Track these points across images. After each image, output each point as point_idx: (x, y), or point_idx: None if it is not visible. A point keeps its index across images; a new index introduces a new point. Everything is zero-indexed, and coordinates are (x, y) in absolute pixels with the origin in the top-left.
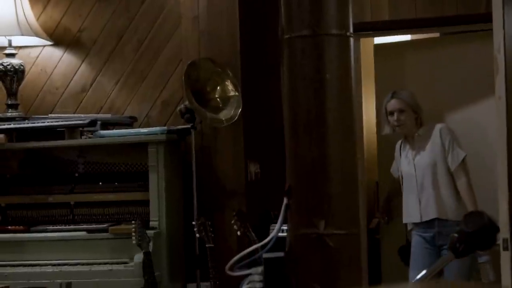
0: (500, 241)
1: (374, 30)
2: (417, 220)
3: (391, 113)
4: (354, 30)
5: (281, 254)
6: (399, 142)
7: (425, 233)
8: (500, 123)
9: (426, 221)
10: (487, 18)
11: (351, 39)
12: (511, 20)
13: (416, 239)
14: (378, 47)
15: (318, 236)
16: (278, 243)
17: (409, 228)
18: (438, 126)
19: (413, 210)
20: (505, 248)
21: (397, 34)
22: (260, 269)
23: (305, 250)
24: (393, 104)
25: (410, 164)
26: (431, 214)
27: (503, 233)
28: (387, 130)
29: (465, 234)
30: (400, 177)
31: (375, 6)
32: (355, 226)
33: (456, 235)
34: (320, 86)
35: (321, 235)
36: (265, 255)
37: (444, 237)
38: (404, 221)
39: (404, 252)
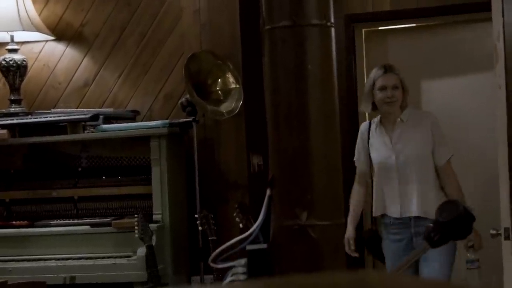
0: (502, 231)
1: (375, 20)
2: (397, 215)
3: (383, 88)
4: (356, 21)
5: (264, 245)
6: (366, 124)
7: (400, 235)
8: (500, 112)
9: (402, 219)
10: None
11: (332, 29)
12: (510, 8)
13: (390, 247)
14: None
15: (300, 227)
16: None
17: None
18: (430, 118)
19: (391, 204)
20: (506, 238)
21: (398, 24)
22: (243, 261)
23: (288, 241)
24: (387, 78)
25: (387, 151)
26: (413, 212)
27: (505, 223)
28: (367, 108)
29: (440, 224)
30: (370, 165)
31: None
32: (339, 216)
33: (431, 224)
34: (301, 77)
35: (304, 226)
36: (248, 247)
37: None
38: (374, 214)
39: (371, 243)
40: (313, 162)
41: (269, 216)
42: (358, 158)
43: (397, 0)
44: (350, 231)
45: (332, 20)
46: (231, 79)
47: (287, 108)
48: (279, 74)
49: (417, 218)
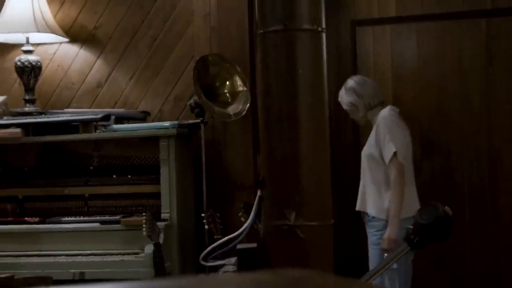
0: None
1: (381, 25)
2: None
3: None
4: (362, 26)
5: (254, 245)
6: None
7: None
8: None
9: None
10: (493, 13)
11: (323, 34)
12: None
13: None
14: None
15: (289, 228)
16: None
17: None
18: (378, 119)
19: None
20: None
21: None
22: (233, 259)
23: (277, 241)
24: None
25: None
26: (359, 207)
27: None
28: None
29: (420, 226)
30: None
31: (382, 2)
32: (327, 218)
33: (411, 227)
34: (292, 81)
35: (292, 226)
36: (239, 246)
37: (368, 230)
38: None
39: None
40: (302, 164)
41: (260, 216)
42: None
43: (402, 6)
44: None
45: (324, 26)
46: (239, 82)
47: (278, 111)
48: (270, 77)
49: (365, 214)
